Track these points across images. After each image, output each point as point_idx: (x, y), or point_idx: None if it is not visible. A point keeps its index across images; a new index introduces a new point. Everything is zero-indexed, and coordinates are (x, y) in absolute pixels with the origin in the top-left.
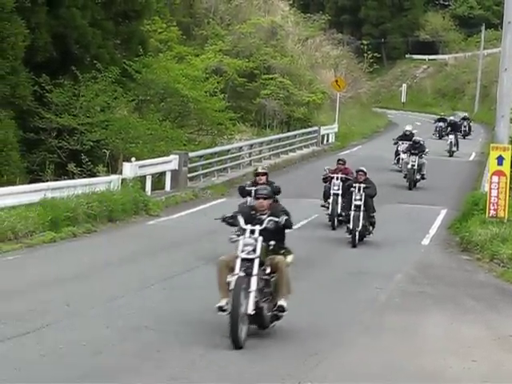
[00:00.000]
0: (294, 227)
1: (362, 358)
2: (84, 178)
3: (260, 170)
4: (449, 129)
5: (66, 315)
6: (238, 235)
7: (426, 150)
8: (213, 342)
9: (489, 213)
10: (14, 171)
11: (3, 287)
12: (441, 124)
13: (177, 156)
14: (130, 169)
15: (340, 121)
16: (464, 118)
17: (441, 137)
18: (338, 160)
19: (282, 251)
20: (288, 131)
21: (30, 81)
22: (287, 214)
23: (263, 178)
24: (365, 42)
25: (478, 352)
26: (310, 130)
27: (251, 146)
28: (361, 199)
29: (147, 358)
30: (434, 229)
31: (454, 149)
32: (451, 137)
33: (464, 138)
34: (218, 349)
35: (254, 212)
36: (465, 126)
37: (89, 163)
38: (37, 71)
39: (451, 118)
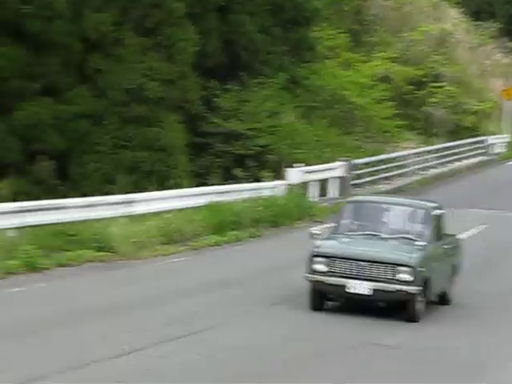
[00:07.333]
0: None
1: None
2: (249, 182)
3: None
4: None
5: (229, 318)
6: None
7: None
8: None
9: None
10: (180, 174)
11: (169, 289)
12: None
13: (343, 163)
14: (295, 174)
15: (511, 130)
16: None
17: None
18: None
19: None
20: (455, 140)
21: (198, 85)
22: None
23: None
24: None
25: None
26: (477, 139)
27: (418, 154)
28: None
29: (310, 365)
30: None
31: None
32: None
33: None
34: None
35: None
36: None
37: (254, 168)
38: (205, 76)
39: None
